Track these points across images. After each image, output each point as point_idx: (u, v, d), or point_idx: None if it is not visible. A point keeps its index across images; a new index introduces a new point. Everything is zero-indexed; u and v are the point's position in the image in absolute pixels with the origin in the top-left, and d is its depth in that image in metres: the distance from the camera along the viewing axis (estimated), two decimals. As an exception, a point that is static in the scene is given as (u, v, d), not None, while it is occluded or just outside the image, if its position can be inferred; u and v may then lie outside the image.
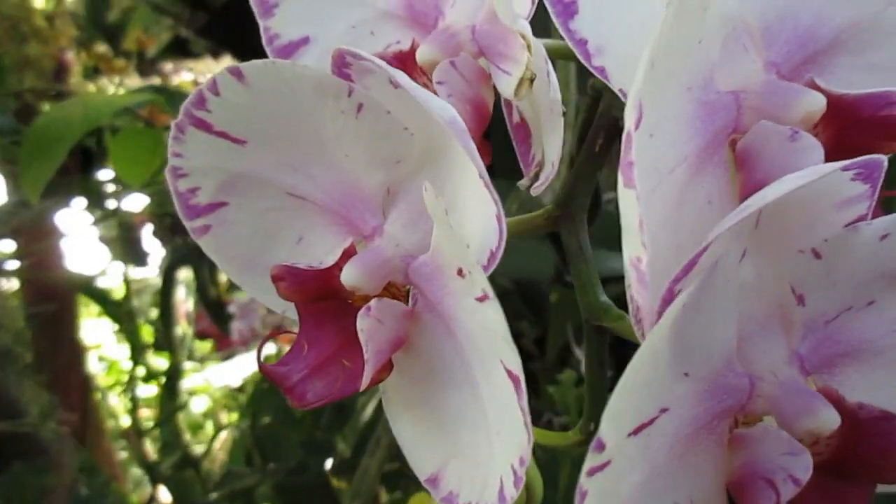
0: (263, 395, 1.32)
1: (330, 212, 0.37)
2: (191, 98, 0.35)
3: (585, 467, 0.25)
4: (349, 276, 0.34)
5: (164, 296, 1.56)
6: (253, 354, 1.60)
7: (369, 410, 1.04)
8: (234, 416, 2.06)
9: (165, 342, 1.65)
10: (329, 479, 1.14)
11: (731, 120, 0.30)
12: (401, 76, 0.31)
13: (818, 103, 0.31)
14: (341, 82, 0.33)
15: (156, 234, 1.60)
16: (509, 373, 0.29)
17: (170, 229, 1.50)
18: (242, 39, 1.29)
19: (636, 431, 0.26)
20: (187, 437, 1.93)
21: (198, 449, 1.96)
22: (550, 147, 0.37)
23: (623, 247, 0.27)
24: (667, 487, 0.28)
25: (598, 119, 0.40)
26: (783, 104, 0.31)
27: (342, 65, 0.33)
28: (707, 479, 0.29)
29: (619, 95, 0.31)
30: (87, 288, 1.70)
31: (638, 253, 0.25)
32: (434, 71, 0.37)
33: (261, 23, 0.43)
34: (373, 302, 0.33)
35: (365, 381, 0.32)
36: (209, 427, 2.17)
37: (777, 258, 0.30)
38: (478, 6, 0.38)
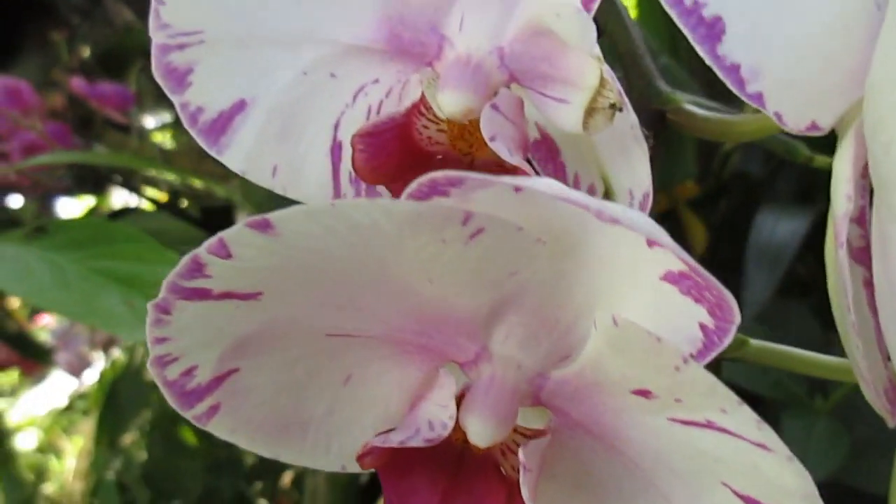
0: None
1: (394, 342, 0.28)
2: (179, 269, 0.25)
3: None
4: (485, 430, 0.26)
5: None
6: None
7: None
8: (79, 441, 1.84)
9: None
10: (245, 488, 1.04)
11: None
12: (525, 180, 0.23)
13: None
14: (453, 209, 0.23)
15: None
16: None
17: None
18: None
19: None
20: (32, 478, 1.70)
21: (49, 488, 1.75)
22: (637, 176, 0.30)
23: None
24: None
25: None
26: None
27: (433, 191, 0.24)
28: None
29: (774, 119, 0.24)
30: None
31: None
32: (482, 123, 0.28)
33: (175, 101, 0.32)
34: (523, 453, 0.26)
35: None
36: (53, 462, 1.93)
37: None
38: (501, 23, 0.29)
